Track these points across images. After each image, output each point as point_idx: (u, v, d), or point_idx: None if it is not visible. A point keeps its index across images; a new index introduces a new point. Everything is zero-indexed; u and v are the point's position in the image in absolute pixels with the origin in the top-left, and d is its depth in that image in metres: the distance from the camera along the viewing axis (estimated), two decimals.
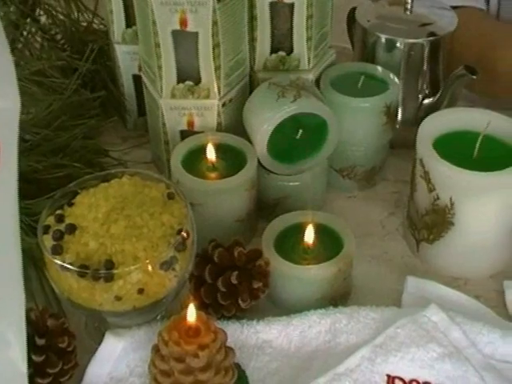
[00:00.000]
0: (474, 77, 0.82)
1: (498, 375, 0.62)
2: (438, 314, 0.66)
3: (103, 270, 0.59)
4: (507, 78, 0.87)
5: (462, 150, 0.74)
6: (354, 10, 0.93)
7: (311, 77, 0.82)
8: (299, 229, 0.70)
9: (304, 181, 0.78)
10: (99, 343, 0.63)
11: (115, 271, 0.59)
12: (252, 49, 0.82)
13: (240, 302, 0.65)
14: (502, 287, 0.72)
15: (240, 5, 0.78)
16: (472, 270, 0.74)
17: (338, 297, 0.69)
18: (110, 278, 0.59)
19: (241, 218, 0.75)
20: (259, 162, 0.76)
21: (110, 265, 0.59)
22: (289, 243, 0.70)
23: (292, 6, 0.80)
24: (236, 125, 0.80)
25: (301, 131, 0.77)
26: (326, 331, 0.65)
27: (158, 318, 0.66)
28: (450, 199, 0.70)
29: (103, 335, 0.63)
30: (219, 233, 0.71)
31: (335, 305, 0.68)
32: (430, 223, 0.73)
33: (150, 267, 0.60)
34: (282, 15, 0.81)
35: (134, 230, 0.61)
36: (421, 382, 0.62)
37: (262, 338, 0.65)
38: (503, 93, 0.92)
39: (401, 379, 0.62)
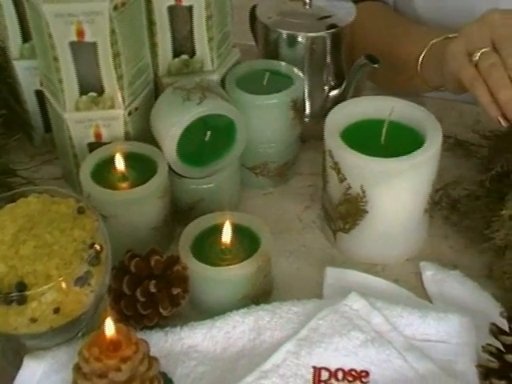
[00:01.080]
0: (376, 65, 0.83)
1: (419, 354, 0.64)
2: (359, 301, 0.67)
3: (15, 293, 0.57)
4: (408, 71, 0.89)
5: (369, 138, 0.75)
6: (254, 7, 0.94)
7: (216, 77, 0.82)
8: (216, 230, 0.70)
9: (217, 182, 0.78)
10: (19, 368, 0.61)
11: (28, 293, 0.57)
12: (154, 54, 0.81)
13: (161, 310, 0.65)
14: (418, 269, 0.74)
15: (137, 11, 0.77)
16: (389, 255, 0.76)
17: (259, 295, 0.69)
18: (22, 301, 0.58)
19: (156, 225, 0.74)
20: (170, 167, 0.76)
21: (21, 287, 0.58)
22: (206, 246, 0.70)
23: (191, 8, 0.80)
24: (145, 133, 0.80)
25: (209, 133, 0.77)
26: (250, 330, 0.65)
27: (79, 335, 0.65)
28: (361, 187, 0.71)
29: (22, 360, 0.62)
30: (136, 242, 0.71)
31: (257, 303, 0.68)
32: (345, 213, 0.74)
33: (64, 285, 0.59)
34: (181, 18, 0.81)
35: (44, 249, 0.60)
36: (346, 369, 0.63)
37: (187, 344, 0.65)
38: (405, 85, 0.93)
39: (327, 369, 0.63)
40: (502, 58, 0.72)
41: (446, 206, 0.80)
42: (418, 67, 0.87)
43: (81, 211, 0.64)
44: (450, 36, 0.83)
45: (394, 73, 0.92)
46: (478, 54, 0.74)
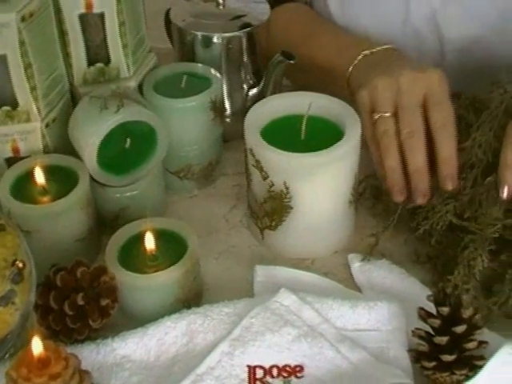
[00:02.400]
0: (292, 61, 0.84)
1: (352, 344, 0.64)
2: (289, 297, 0.67)
3: None
4: (338, 82, 0.89)
5: (289, 134, 0.76)
6: (169, 11, 0.93)
7: (133, 84, 0.82)
8: (141, 238, 0.69)
9: (141, 189, 0.77)
10: None
11: None
12: (68, 64, 0.80)
13: (91, 322, 0.64)
14: (347, 261, 0.75)
15: (47, 21, 0.76)
16: (317, 249, 0.76)
17: (190, 298, 0.69)
18: None
19: (81, 237, 0.73)
20: (93, 177, 0.75)
21: None
22: (133, 254, 0.69)
23: (102, 15, 0.79)
24: (65, 144, 0.78)
25: (129, 140, 0.76)
26: (183, 334, 0.65)
27: (7, 356, 0.63)
28: (285, 184, 0.72)
29: None
30: (62, 256, 0.69)
31: (189, 306, 0.68)
32: (270, 210, 0.74)
33: None
34: (93, 26, 0.80)
35: None
36: (280, 366, 0.63)
37: (119, 354, 0.64)
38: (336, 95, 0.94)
39: (261, 367, 0.63)
40: (399, 126, 0.74)
41: (370, 196, 0.81)
42: (348, 78, 0.85)
43: (1, 228, 0.63)
44: (377, 49, 0.84)
45: (319, 81, 0.92)
46: (377, 116, 0.75)
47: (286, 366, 0.63)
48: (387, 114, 0.75)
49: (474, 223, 0.70)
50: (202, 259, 0.71)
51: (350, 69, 0.85)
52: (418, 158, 0.72)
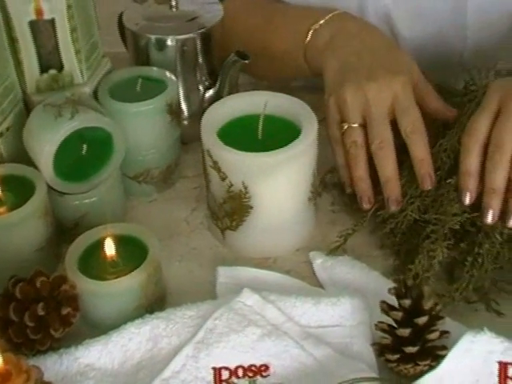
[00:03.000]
0: (246, 61, 0.84)
1: (316, 341, 0.65)
2: (252, 297, 0.67)
3: None
4: (294, 61, 0.89)
5: (246, 134, 0.76)
6: (121, 15, 0.92)
7: (88, 90, 0.81)
8: (102, 244, 0.69)
9: (100, 195, 0.76)
10: None
11: None
12: (20, 72, 0.79)
13: (52, 332, 0.63)
14: (309, 258, 0.75)
15: None
16: (279, 247, 0.76)
17: (153, 303, 0.69)
18: None
19: (40, 246, 0.72)
20: (50, 185, 0.74)
21: None
22: (93, 261, 0.68)
23: (53, 21, 0.78)
24: (20, 153, 0.77)
25: (85, 146, 0.76)
26: (147, 340, 0.65)
27: None
28: (243, 184, 0.72)
29: None
30: (21, 267, 0.68)
31: (152, 311, 0.67)
32: (230, 210, 0.74)
33: None
34: (44, 33, 0.79)
35: None
36: (246, 366, 0.63)
37: (83, 363, 0.63)
38: (293, 75, 0.94)
39: (227, 368, 0.63)
40: (369, 137, 0.75)
41: (330, 192, 0.81)
42: (304, 57, 0.87)
43: None
44: (326, 19, 0.85)
45: (279, 65, 0.92)
46: (346, 126, 0.77)
47: (251, 365, 0.63)
48: (355, 125, 0.76)
49: (434, 217, 0.71)
50: (164, 263, 0.71)
51: (304, 48, 0.86)
52: (389, 168, 0.74)
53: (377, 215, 0.75)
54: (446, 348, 0.62)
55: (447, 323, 0.64)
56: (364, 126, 0.76)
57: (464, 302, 0.69)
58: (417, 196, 0.73)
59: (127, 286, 0.66)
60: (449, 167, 0.74)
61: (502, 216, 0.69)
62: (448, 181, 0.72)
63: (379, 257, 0.76)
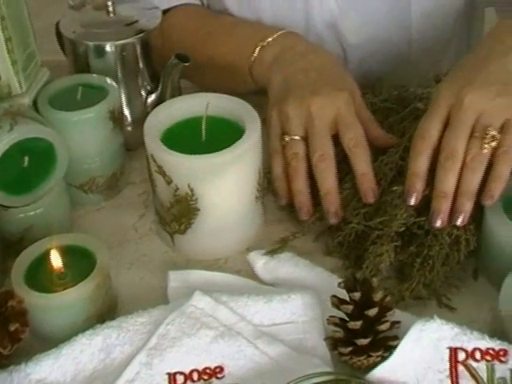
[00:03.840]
0: (187, 64, 0.84)
1: (269, 339, 0.65)
2: (203, 299, 0.67)
3: None
4: (241, 76, 0.89)
5: (190, 136, 0.76)
6: (58, 23, 0.91)
7: (27, 100, 0.79)
8: (48, 257, 0.68)
9: (45, 206, 0.75)
10: None
11: None
12: None
13: (1, 349, 0.62)
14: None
15: None
16: (228, 248, 0.76)
17: (104, 312, 0.68)
18: None
19: None
20: None
21: None
22: (41, 274, 0.68)
23: None
24: None
25: (27, 158, 0.74)
26: (99, 350, 0.64)
27: None
28: (189, 186, 0.72)
29: None
30: None
31: (103, 321, 0.66)
32: (178, 214, 0.74)
33: None
34: None
35: None
36: (200, 369, 0.63)
37: (34, 379, 0.62)
38: (239, 89, 0.94)
39: (181, 373, 0.63)
40: (310, 150, 0.76)
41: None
42: (250, 72, 0.87)
43: None
44: (274, 37, 0.86)
45: (225, 78, 0.92)
46: (288, 139, 0.77)
47: (206, 368, 0.63)
48: (297, 137, 0.77)
49: (379, 220, 0.72)
50: (114, 271, 0.71)
51: (251, 63, 0.86)
52: (329, 181, 0.75)
53: (322, 222, 0.76)
54: (397, 338, 0.63)
55: (397, 314, 0.65)
56: (305, 139, 0.77)
57: (415, 300, 0.70)
58: (360, 207, 0.74)
59: (76, 297, 0.66)
60: (391, 178, 0.76)
61: (450, 217, 0.70)
62: (394, 188, 0.73)
63: (326, 255, 0.76)
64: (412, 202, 0.71)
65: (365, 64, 1.03)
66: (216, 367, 0.63)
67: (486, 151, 0.69)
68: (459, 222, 0.70)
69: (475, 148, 0.69)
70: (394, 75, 1.02)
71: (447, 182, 0.70)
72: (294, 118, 0.77)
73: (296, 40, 0.87)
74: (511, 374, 0.60)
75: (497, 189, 0.69)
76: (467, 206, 0.69)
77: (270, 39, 0.86)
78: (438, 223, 0.70)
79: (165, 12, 0.96)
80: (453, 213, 0.70)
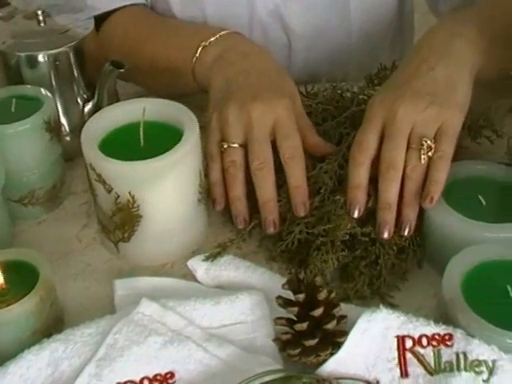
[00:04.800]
0: (122, 70, 0.83)
1: (219, 341, 0.65)
2: (150, 305, 0.67)
3: None
4: (184, 78, 0.89)
5: (129, 143, 0.75)
6: None
7: None
8: None
9: None
10: None
11: None
12: None
13: None
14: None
15: None
16: (174, 252, 0.76)
17: (50, 326, 0.67)
18: None
19: None
20: None
21: None
22: None
23: None
24: None
25: None
26: (47, 365, 0.63)
27: None
28: (130, 193, 0.71)
29: None
30: None
31: (50, 335, 0.65)
32: (120, 222, 0.73)
33: None
34: None
35: None
36: (151, 376, 0.62)
37: None
38: (183, 91, 0.94)
39: (132, 382, 0.62)
40: (249, 158, 0.76)
41: None
42: (192, 74, 0.86)
43: None
44: (216, 37, 0.85)
45: (168, 80, 0.91)
46: (226, 145, 0.77)
47: (156, 375, 0.63)
48: (235, 145, 0.76)
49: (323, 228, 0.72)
50: (59, 283, 0.70)
51: (193, 64, 0.86)
52: (267, 190, 0.75)
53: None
54: (345, 334, 0.63)
55: (344, 307, 0.66)
56: (244, 146, 0.76)
57: (359, 299, 0.70)
58: (302, 217, 0.74)
59: (19, 312, 0.64)
60: (331, 187, 0.76)
61: (397, 228, 0.72)
62: (336, 198, 0.73)
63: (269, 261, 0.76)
64: (356, 214, 0.72)
65: (310, 53, 1.04)
66: (167, 373, 0.63)
67: (424, 162, 0.71)
68: (406, 232, 0.71)
69: (414, 159, 0.71)
70: (336, 66, 1.04)
71: (390, 193, 0.71)
72: (233, 123, 0.76)
73: (238, 40, 0.87)
74: (457, 357, 0.61)
75: (435, 192, 0.71)
76: (412, 216, 0.71)
77: (212, 39, 0.86)
78: (386, 234, 0.71)
79: (108, 14, 0.95)
80: (399, 224, 0.71)
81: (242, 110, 0.76)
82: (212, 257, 0.74)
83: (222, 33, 0.86)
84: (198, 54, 0.86)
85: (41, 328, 0.66)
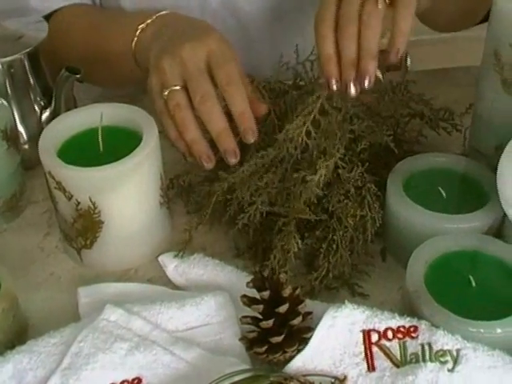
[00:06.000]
0: (78, 76, 0.82)
1: (185, 344, 0.64)
2: (115, 311, 0.66)
3: None
4: (127, 65, 0.88)
5: (88, 149, 0.74)
6: None
7: None
8: None
9: None
10: None
11: None
12: None
13: None
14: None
15: None
16: (138, 257, 0.76)
17: (13, 338, 0.66)
18: None
19: None
20: None
21: None
22: None
23: None
24: None
25: None
26: (10, 377, 0.62)
27: None
28: (90, 200, 0.70)
29: None
30: None
31: (13, 347, 0.64)
32: (82, 229, 0.72)
33: None
34: None
35: None
36: (118, 382, 0.62)
37: None
38: (129, 81, 0.92)
39: None
40: (191, 96, 0.73)
41: (182, 195, 0.81)
42: (134, 58, 0.85)
43: None
44: (153, 19, 0.84)
45: (114, 70, 0.91)
46: (167, 92, 0.74)
47: (124, 381, 0.62)
48: (177, 88, 0.73)
49: (284, 209, 0.71)
50: (22, 294, 0.69)
51: (133, 48, 0.84)
52: (216, 121, 0.72)
53: (228, 213, 0.74)
54: (311, 329, 0.63)
55: (309, 305, 0.66)
56: (186, 88, 0.73)
57: (326, 290, 0.70)
58: (263, 188, 0.72)
59: None
60: (294, 161, 0.73)
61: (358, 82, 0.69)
62: (295, 175, 0.71)
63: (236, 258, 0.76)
64: (334, 86, 0.69)
65: (265, 41, 1.04)
66: (134, 379, 0.62)
67: (380, 6, 0.68)
68: (366, 83, 0.68)
69: (370, 5, 0.69)
70: (292, 49, 1.02)
71: (352, 48, 0.68)
72: (168, 69, 0.74)
73: (174, 18, 0.85)
74: (422, 348, 0.61)
75: (401, 43, 0.68)
76: (371, 66, 0.68)
77: (149, 21, 0.84)
78: (353, 91, 0.69)
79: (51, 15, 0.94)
80: (359, 76, 0.69)
81: (174, 55, 0.74)
82: (181, 249, 0.74)
83: (158, 14, 0.85)
84: (136, 38, 0.84)
85: (3, 340, 0.65)
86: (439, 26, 1.03)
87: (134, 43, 0.84)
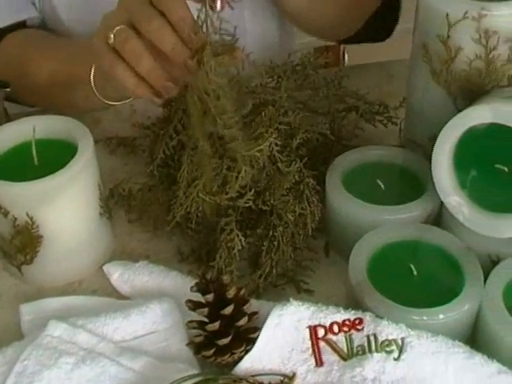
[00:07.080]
0: (8, 89, 0.81)
1: (132, 354, 0.64)
2: (59, 326, 0.65)
3: None
4: (82, 92, 0.86)
5: (22, 163, 0.73)
6: None
7: None
8: None
9: None
10: None
11: None
12: None
13: None
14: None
15: None
16: (81, 269, 0.75)
17: None
18: None
19: None
20: None
21: None
22: None
23: None
24: None
25: None
26: None
27: None
28: (27, 215, 0.69)
29: None
30: None
31: None
32: (21, 245, 0.71)
33: None
34: None
35: None
36: None
37: None
38: (84, 106, 0.90)
39: None
40: (138, 28, 0.69)
41: (122, 204, 0.80)
42: (92, 84, 0.80)
43: None
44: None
45: (67, 95, 0.88)
46: (112, 34, 0.69)
47: None
48: (122, 26, 0.69)
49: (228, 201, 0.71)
50: None
51: (93, 71, 0.80)
52: (169, 36, 0.67)
53: (173, 216, 0.74)
54: (257, 329, 0.63)
55: (254, 305, 0.66)
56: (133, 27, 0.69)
57: (272, 289, 0.70)
58: (198, 178, 0.70)
59: None
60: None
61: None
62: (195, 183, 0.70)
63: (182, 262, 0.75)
64: (219, 7, 0.67)
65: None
66: None
67: None
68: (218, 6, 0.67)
69: None
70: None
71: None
72: (109, 18, 0.71)
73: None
74: (368, 340, 0.62)
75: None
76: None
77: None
78: (218, 5, 0.67)
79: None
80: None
81: (120, 3, 0.71)
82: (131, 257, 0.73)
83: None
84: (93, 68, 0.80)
85: None
86: (320, 30, 1.00)
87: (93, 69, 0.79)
